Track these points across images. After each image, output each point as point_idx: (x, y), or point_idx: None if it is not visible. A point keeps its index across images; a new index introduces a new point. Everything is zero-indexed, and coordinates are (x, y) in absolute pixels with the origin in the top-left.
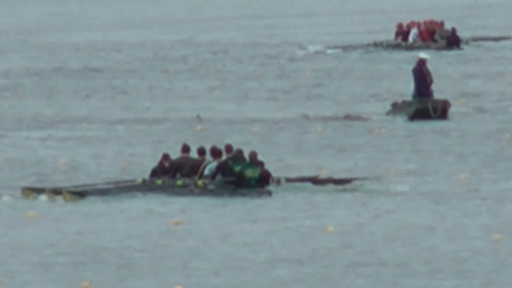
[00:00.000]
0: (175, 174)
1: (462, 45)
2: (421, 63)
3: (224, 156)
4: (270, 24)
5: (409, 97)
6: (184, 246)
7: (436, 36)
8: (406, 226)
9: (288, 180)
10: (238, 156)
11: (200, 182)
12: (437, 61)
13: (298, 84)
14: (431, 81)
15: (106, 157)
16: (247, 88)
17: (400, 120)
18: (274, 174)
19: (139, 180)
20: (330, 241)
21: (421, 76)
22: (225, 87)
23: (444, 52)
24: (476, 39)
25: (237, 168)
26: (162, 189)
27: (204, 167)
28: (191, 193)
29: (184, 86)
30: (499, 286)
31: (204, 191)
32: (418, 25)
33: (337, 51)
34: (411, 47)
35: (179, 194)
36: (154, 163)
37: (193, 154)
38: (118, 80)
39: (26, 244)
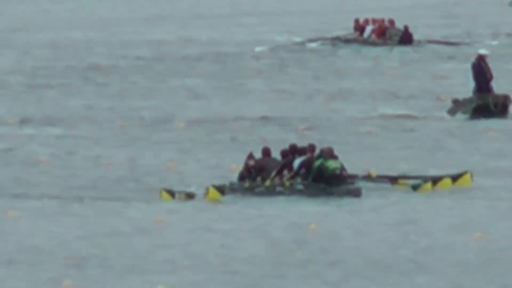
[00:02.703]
0: (263, 174)
1: (415, 44)
2: (480, 58)
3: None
4: (229, 22)
5: (469, 94)
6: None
7: (388, 34)
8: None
9: (380, 176)
10: (320, 153)
11: (288, 183)
12: (387, 58)
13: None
14: (491, 77)
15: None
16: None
17: (462, 118)
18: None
19: (227, 184)
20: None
21: (481, 71)
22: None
23: (397, 49)
24: (430, 41)
25: (318, 162)
26: (249, 191)
27: (292, 164)
28: (280, 193)
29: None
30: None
31: (293, 192)
32: (373, 22)
33: (299, 45)
34: (365, 42)
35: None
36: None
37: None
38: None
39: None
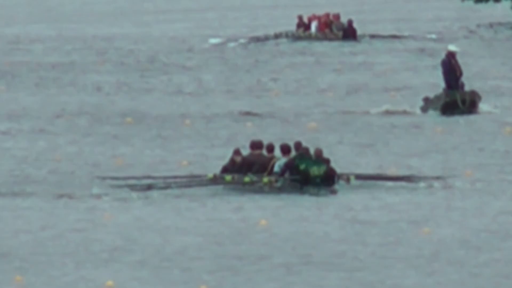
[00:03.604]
0: (246, 170)
1: (359, 39)
2: (450, 55)
3: (293, 153)
4: (173, 18)
5: (439, 90)
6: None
7: (333, 28)
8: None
9: (358, 177)
10: (304, 153)
11: (266, 180)
12: (333, 52)
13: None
14: (461, 74)
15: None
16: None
17: (433, 114)
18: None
19: (210, 175)
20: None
21: (450, 68)
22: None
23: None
24: (373, 36)
25: (302, 166)
26: (230, 185)
27: (273, 164)
28: (259, 190)
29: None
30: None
31: (271, 189)
32: (318, 18)
33: (239, 43)
34: (309, 38)
35: (246, 191)
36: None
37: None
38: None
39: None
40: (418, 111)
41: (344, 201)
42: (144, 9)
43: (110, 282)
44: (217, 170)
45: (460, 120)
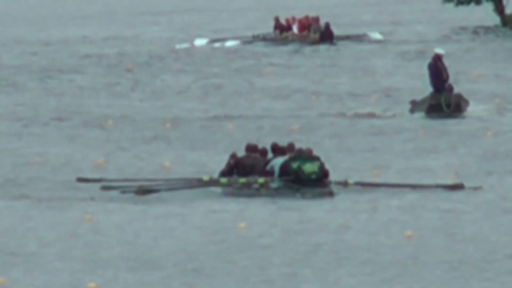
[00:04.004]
0: (241, 172)
1: (335, 41)
2: (437, 58)
3: (287, 156)
4: (152, 20)
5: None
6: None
7: (311, 31)
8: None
9: (358, 183)
10: (298, 154)
11: (262, 180)
12: (310, 55)
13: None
14: (447, 76)
15: None
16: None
17: (418, 117)
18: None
19: (205, 178)
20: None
21: (437, 71)
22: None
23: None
24: (349, 37)
25: (295, 165)
26: (226, 187)
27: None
28: (254, 192)
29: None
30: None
31: (267, 190)
32: (298, 20)
33: (217, 44)
34: (286, 40)
35: (241, 193)
36: None
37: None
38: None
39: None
40: (400, 113)
41: (332, 205)
42: (124, 11)
43: (92, 284)
44: (197, 172)
45: (445, 123)
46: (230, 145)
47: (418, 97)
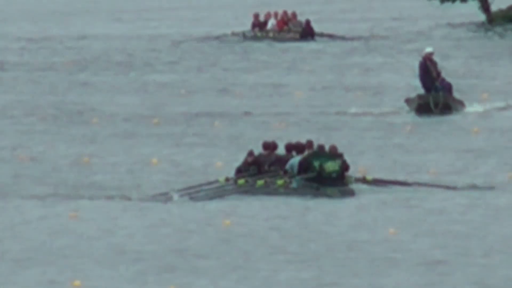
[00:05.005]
0: (259, 170)
1: (316, 38)
2: (427, 57)
3: (306, 152)
4: (133, 17)
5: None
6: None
7: (290, 27)
8: None
9: (376, 181)
10: (319, 151)
11: (281, 182)
12: (292, 52)
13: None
14: (438, 75)
15: None
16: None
17: (410, 115)
18: None
19: (221, 179)
20: None
21: (427, 70)
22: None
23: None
24: (330, 35)
25: (317, 163)
26: (243, 189)
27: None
28: (274, 192)
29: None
30: None
31: (287, 190)
32: (275, 15)
33: (198, 42)
34: (266, 37)
35: (261, 194)
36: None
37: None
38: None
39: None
40: (382, 110)
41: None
42: (106, 8)
43: (77, 282)
44: (187, 168)
45: (434, 121)
46: (219, 142)
47: (411, 95)
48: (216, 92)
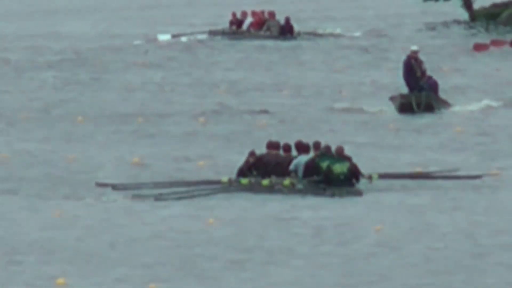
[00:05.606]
0: (262, 171)
1: (295, 36)
2: (412, 55)
3: (311, 153)
4: (110, 16)
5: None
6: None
7: (266, 26)
8: None
9: (381, 176)
10: (326, 152)
11: (287, 182)
12: (271, 51)
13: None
14: (423, 74)
15: None
16: None
17: (392, 114)
18: None
19: (224, 179)
20: None
21: (411, 69)
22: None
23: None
24: (309, 33)
25: (324, 164)
26: (248, 189)
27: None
28: (279, 192)
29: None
30: None
31: (292, 191)
32: (253, 14)
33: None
34: (244, 36)
35: (266, 193)
36: None
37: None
38: None
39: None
40: (367, 109)
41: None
42: (85, 6)
43: (61, 280)
44: (172, 166)
45: (416, 118)
46: (204, 140)
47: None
48: (198, 89)
